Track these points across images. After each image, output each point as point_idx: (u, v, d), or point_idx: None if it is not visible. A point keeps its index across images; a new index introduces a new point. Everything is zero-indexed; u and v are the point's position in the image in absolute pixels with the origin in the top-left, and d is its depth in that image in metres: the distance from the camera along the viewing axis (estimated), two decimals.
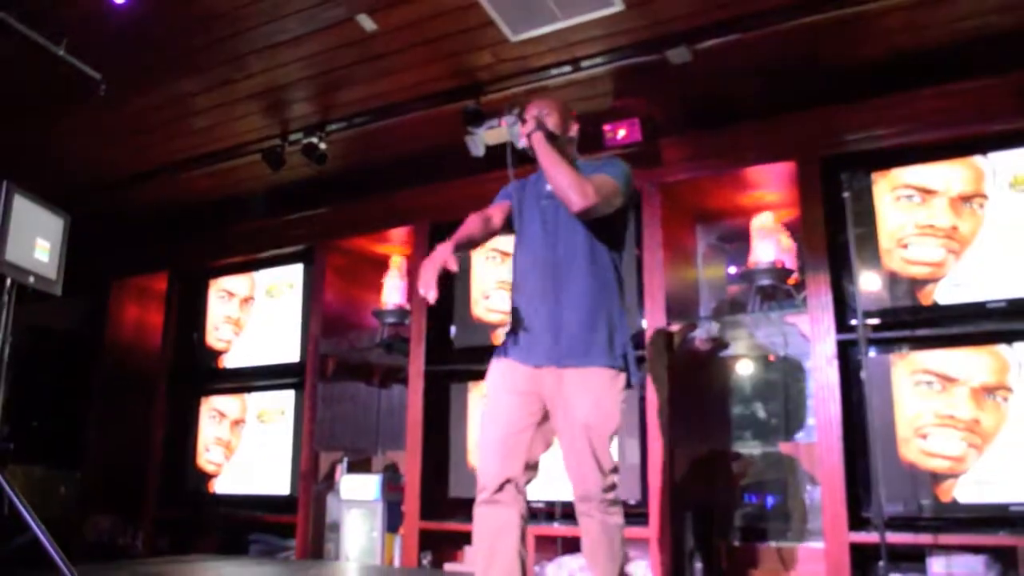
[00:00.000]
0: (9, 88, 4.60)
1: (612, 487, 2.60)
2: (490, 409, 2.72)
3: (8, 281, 3.50)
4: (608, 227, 2.73)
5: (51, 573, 3.02)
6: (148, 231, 6.43)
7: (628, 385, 2.68)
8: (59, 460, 5.49)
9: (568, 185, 2.59)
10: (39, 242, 3.70)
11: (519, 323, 2.71)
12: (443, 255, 2.51)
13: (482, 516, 2.59)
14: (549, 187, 2.74)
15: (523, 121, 2.71)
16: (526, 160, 2.78)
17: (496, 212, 2.86)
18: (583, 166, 2.78)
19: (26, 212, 3.64)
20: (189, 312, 6.27)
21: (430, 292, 2.47)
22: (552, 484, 3.25)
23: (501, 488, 2.57)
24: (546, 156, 2.65)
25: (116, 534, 5.61)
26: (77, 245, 3.87)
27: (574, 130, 2.90)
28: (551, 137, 2.70)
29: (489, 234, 2.84)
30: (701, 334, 4.56)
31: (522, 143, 2.70)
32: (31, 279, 3.61)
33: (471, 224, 2.77)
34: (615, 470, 2.63)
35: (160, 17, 3.99)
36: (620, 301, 2.74)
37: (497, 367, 2.75)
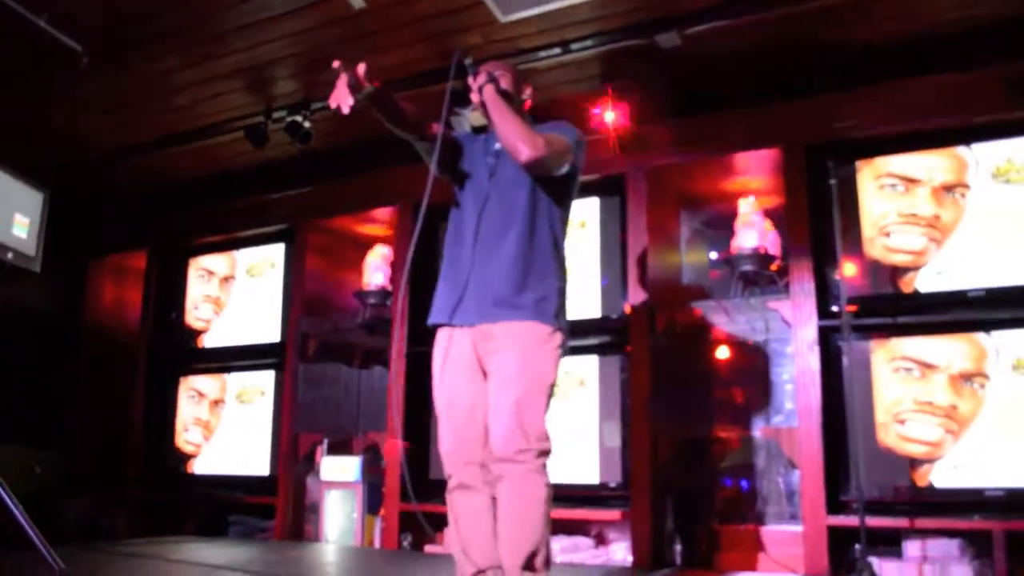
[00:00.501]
0: None
1: (540, 454, 2.42)
2: (438, 387, 2.62)
3: None
4: (553, 190, 2.65)
5: (30, 553, 3.00)
6: (127, 208, 6.35)
7: (562, 352, 2.56)
8: (36, 440, 5.42)
9: (517, 134, 2.49)
10: (18, 217, 3.64)
11: (451, 282, 2.63)
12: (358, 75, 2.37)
13: (453, 503, 2.55)
14: (498, 145, 2.67)
15: (475, 74, 2.63)
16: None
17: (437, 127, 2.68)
18: (536, 128, 2.67)
19: (4, 187, 3.58)
20: (168, 291, 6.22)
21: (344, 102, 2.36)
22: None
23: (467, 472, 2.52)
24: (496, 107, 2.55)
25: (95, 515, 5.57)
26: (55, 221, 3.81)
27: (527, 93, 2.81)
28: (503, 94, 2.61)
29: (410, 125, 2.63)
30: (683, 319, 4.58)
31: (474, 98, 2.60)
32: (9, 255, 3.55)
33: (409, 107, 2.63)
34: (546, 437, 2.45)
35: None
36: (556, 266, 2.62)
37: (439, 339, 2.65)
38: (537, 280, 2.55)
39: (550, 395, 2.53)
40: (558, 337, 2.54)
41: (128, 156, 5.60)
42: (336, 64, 2.39)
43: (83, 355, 6.37)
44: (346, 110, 2.39)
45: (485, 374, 2.55)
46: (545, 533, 2.41)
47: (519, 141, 2.49)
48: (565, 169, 2.64)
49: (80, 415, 6.17)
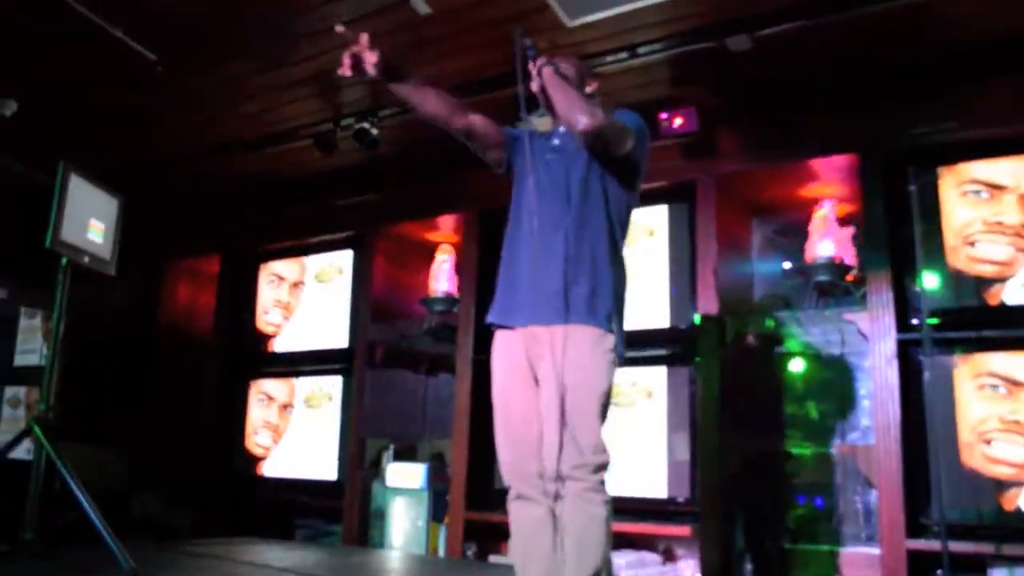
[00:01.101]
0: (67, 70, 4.64)
1: (596, 468, 2.33)
2: (495, 396, 2.57)
3: (63, 260, 3.55)
4: (613, 186, 2.57)
5: (100, 549, 3.05)
6: (201, 213, 6.48)
7: (617, 358, 2.46)
8: (109, 438, 5.57)
9: (575, 104, 2.42)
10: (94, 222, 3.73)
11: (508, 283, 2.57)
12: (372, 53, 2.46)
13: (514, 514, 2.48)
14: (557, 140, 2.63)
15: (534, 59, 2.56)
16: None
17: (480, 119, 2.67)
18: None
19: (82, 192, 3.67)
20: (240, 295, 6.33)
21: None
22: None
23: (525, 483, 2.45)
24: (553, 83, 2.48)
25: (164, 514, 5.68)
26: (131, 226, 3.90)
27: (592, 88, 2.72)
28: (563, 78, 2.55)
29: (443, 116, 2.62)
30: (754, 329, 4.46)
31: (533, 84, 2.54)
32: (86, 258, 3.65)
33: (439, 92, 2.63)
34: (602, 449, 2.35)
35: (214, 1, 3.99)
36: (614, 265, 2.53)
37: (495, 343, 2.59)
38: (590, 281, 2.46)
39: (605, 404, 2.42)
40: (610, 340, 2.44)
41: (201, 162, 5.70)
42: (339, 30, 2.48)
43: (157, 356, 6.52)
44: (347, 72, 2.48)
45: (537, 380, 2.48)
46: (606, 551, 2.33)
47: (577, 111, 2.42)
48: (626, 148, 2.54)
49: (152, 415, 6.30)
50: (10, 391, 6.63)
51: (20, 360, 6.69)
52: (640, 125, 2.62)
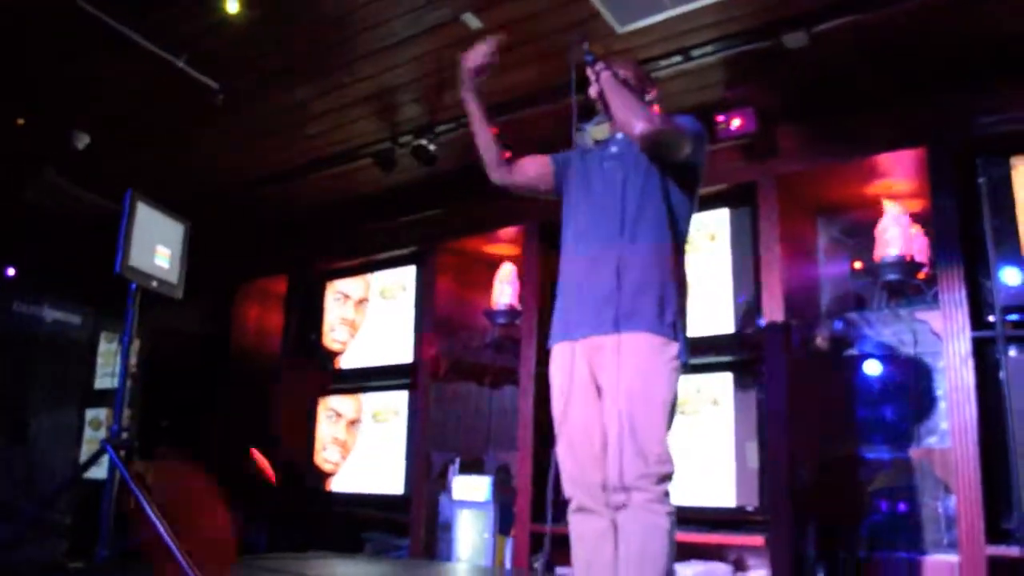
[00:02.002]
0: (133, 100, 4.81)
1: (660, 479, 2.29)
2: (555, 407, 2.55)
3: (133, 286, 3.65)
4: (672, 190, 2.54)
5: (173, 567, 3.11)
6: (267, 235, 6.63)
7: (683, 363, 2.43)
8: (187, 456, 5.69)
9: (632, 108, 2.42)
10: (159, 248, 3.84)
11: (566, 297, 2.56)
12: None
13: (574, 526, 2.47)
14: (614, 148, 2.62)
15: (592, 64, 2.56)
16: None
17: (524, 167, 2.78)
18: None
19: (149, 219, 3.78)
20: (307, 313, 6.43)
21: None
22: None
23: (587, 495, 2.43)
24: (611, 87, 2.48)
25: (238, 531, 5.79)
26: (201, 249, 4.00)
27: (651, 95, 2.71)
28: (623, 82, 2.54)
29: (489, 152, 2.74)
30: (823, 332, 4.34)
31: (592, 89, 2.56)
32: (154, 283, 3.75)
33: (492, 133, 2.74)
34: (667, 459, 2.31)
35: (272, 25, 4.08)
36: (675, 271, 2.49)
37: (553, 356, 2.58)
38: (650, 287, 2.42)
39: (670, 412, 2.38)
40: (674, 348, 2.40)
41: (266, 184, 5.83)
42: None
43: (229, 376, 6.66)
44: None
45: (600, 390, 2.46)
46: (670, 563, 2.28)
47: (633, 115, 2.41)
48: (685, 153, 2.52)
49: (227, 433, 6.44)
50: (91, 413, 6.85)
51: (100, 383, 6.91)
52: (697, 129, 2.60)
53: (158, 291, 3.81)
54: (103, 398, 6.81)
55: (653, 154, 2.50)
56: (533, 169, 2.77)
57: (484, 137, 2.70)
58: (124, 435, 3.52)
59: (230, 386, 6.61)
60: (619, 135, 2.63)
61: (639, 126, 2.40)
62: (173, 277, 3.92)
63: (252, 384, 6.58)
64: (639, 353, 2.38)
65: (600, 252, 2.49)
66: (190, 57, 4.29)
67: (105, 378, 6.96)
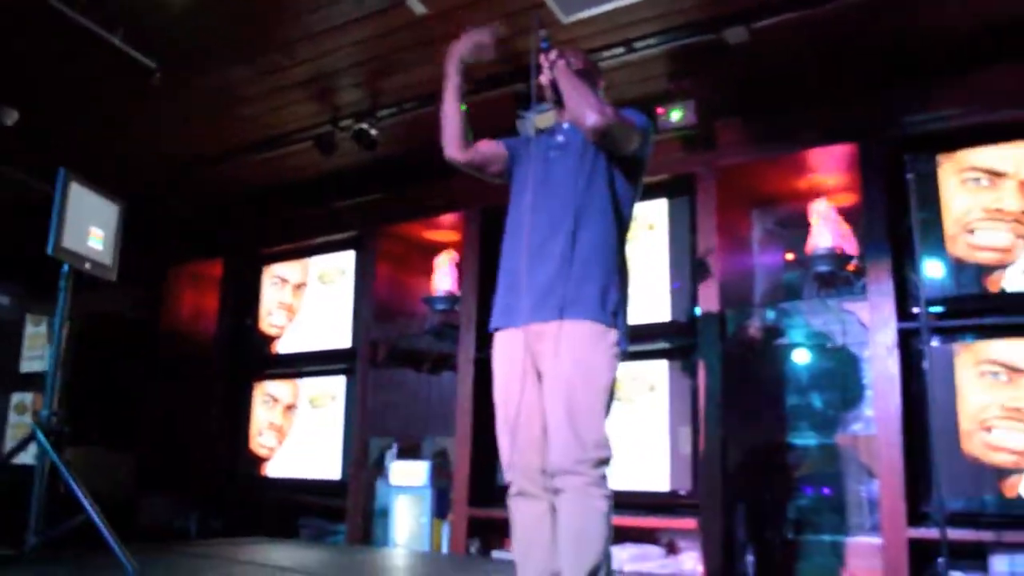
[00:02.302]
0: (67, 78, 4.68)
1: (597, 463, 2.33)
2: (496, 393, 2.58)
3: (65, 267, 3.57)
4: (616, 182, 2.59)
5: (105, 553, 3.07)
6: (203, 217, 6.52)
7: (622, 350, 2.47)
8: (114, 441, 5.60)
9: (586, 100, 2.44)
10: (93, 230, 3.76)
11: (509, 283, 2.58)
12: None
13: (513, 510, 2.50)
14: (560, 138, 2.65)
15: (547, 51, 2.58)
16: None
17: (485, 146, 2.75)
18: None
19: (82, 199, 3.69)
20: (243, 298, 6.35)
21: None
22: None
23: (526, 479, 2.46)
24: (566, 78, 2.50)
25: (170, 516, 5.71)
26: (133, 231, 3.92)
27: (600, 85, 2.76)
28: (576, 73, 2.57)
29: (460, 149, 2.70)
30: (755, 322, 4.46)
31: (543, 76, 2.57)
32: (87, 265, 3.67)
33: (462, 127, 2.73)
34: (604, 444, 2.35)
35: (211, 5, 4.00)
36: (618, 260, 2.54)
37: (496, 342, 2.61)
38: (592, 276, 2.46)
39: (609, 399, 2.43)
40: (613, 335, 2.44)
41: (203, 167, 5.72)
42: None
43: (161, 360, 6.54)
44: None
45: (540, 376, 2.49)
46: (606, 547, 2.33)
47: (587, 106, 2.44)
48: (633, 147, 2.56)
49: (158, 418, 6.34)
50: (16, 397, 6.68)
51: (26, 367, 6.74)
52: (646, 123, 2.64)
53: (92, 273, 3.73)
54: (29, 382, 6.65)
55: (602, 146, 2.54)
56: (488, 148, 2.76)
57: (453, 109, 2.68)
58: (54, 420, 3.45)
59: (162, 371, 6.49)
60: (566, 124, 2.66)
61: (592, 118, 2.42)
62: (107, 259, 3.84)
63: (185, 369, 6.47)
64: (580, 340, 2.42)
65: (544, 240, 2.51)
66: (127, 34, 4.18)
67: (31, 361, 6.80)
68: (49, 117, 5.11)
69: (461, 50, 2.66)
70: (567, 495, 2.33)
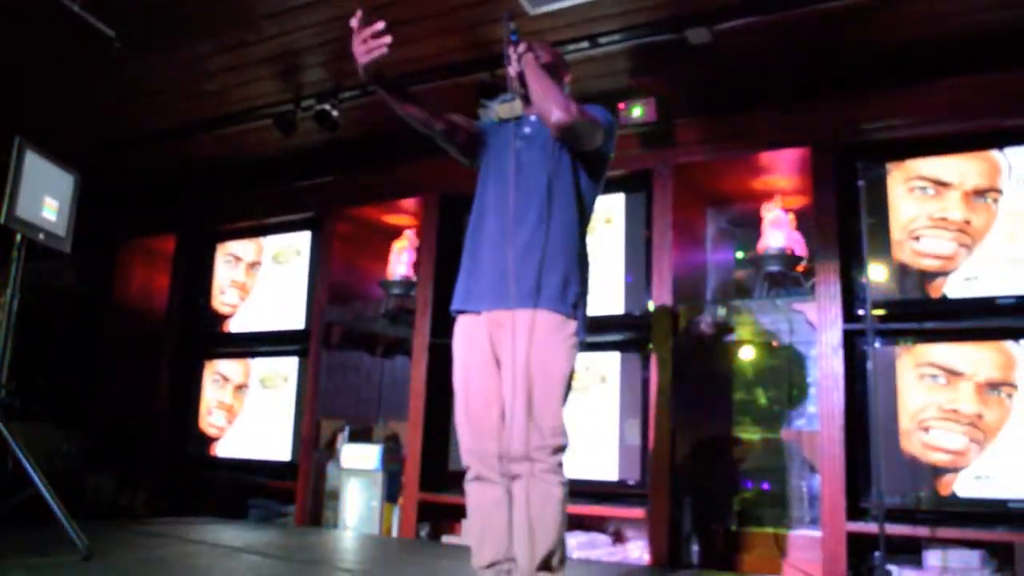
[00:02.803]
0: (23, 44, 4.57)
1: (555, 450, 2.39)
2: (456, 378, 2.62)
3: (18, 237, 3.51)
4: (579, 176, 2.63)
5: (54, 529, 3.05)
6: (158, 192, 6.42)
7: (579, 343, 2.53)
8: (63, 418, 5.50)
9: (552, 96, 2.47)
10: (47, 200, 3.70)
11: (473, 269, 2.62)
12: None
13: (470, 494, 2.55)
14: (527, 129, 2.68)
15: (515, 44, 2.60)
16: None
17: (458, 117, 2.73)
18: None
19: (37, 168, 3.64)
20: (196, 275, 6.28)
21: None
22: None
23: (483, 464, 2.51)
24: (533, 72, 2.53)
25: (117, 494, 5.65)
26: (85, 203, 3.87)
27: (567, 79, 2.81)
28: (543, 67, 2.60)
29: (423, 116, 2.63)
30: (706, 318, 4.56)
31: (511, 68, 2.59)
32: (41, 235, 3.62)
33: (417, 95, 2.66)
34: (561, 432, 2.42)
35: None
36: (579, 254, 2.60)
37: (457, 327, 2.65)
38: (555, 267, 2.51)
39: (567, 388, 2.49)
40: (572, 325, 2.50)
41: (159, 140, 5.64)
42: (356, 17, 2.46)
43: (110, 335, 6.44)
44: (363, 59, 2.44)
45: (499, 363, 2.54)
46: (561, 532, 2.39)
47: (553, 103, 2.47)
48: (596, 143, 2.61)
49: (106, 394, 6.24)
50: None
51: None
52: (610, 120, 2.70)
53: (45, 244, 3.68)
54: None
55: (566, 142, 2.58)
56: (466, 123, 2.78)
57: (411, 111, 2.64)
58: (3, 393, 3.41)
59: (111, 346, 6.39)
60: (533, 116, 2.69)
61: (556, 115, 2.46)
62: (61, 230, 3.79)
63: (135, 345, 6.38)
64: (540, 329, 2.46)
65: (508, 229, 2.55)
66: (85, 2, 4.10)
67: None
68: (3, 83, 4.99)
69: (361, 64, 2.49)
70: (524, 481, 2.39)
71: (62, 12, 4.06)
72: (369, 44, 2.44)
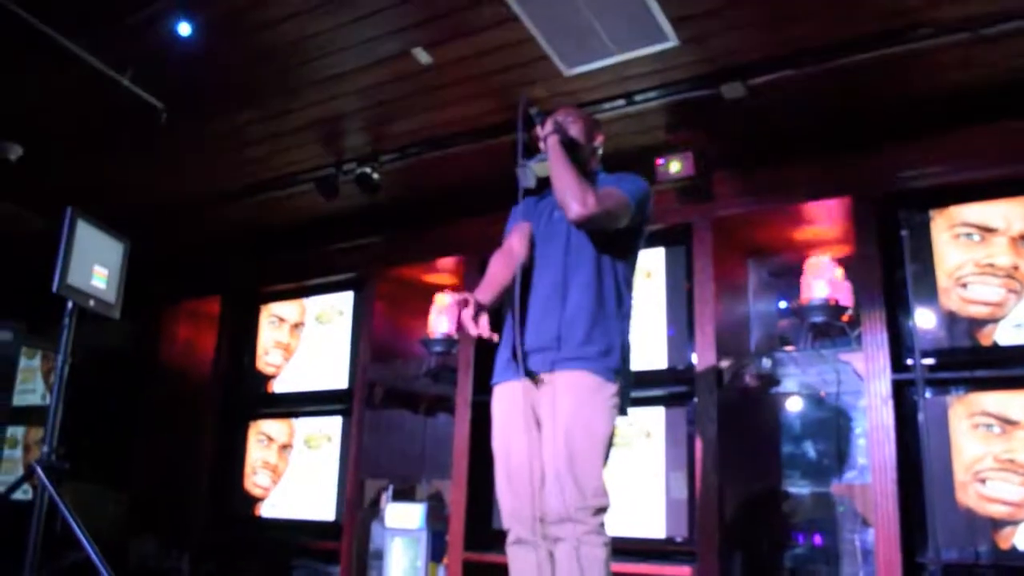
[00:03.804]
0: (75, 116, 4.74)
1: (596, 511, 2.38)
2: (495, 441, 2.63)
3: (70, 304, 3.59)
4: (614, 244, 2.65)
5: None
6: (203, 255, 6.55)
7: (621, 409, 2.55)
8: (108, 479, 5.57)
9: (569, 191, 2.49)
10: (96, 268, 3.79)
11: (511, 338, 2.63)
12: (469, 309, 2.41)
13: (512, 558, 2.53)
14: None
15: (542, 124, 2.67)
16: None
17: (517, 240, 2.75)
18: (603, 179, 2.75)
19: (88, 237, 3.73)
20: (240, 336, 6.36)
21: (471, 328, 2.40)
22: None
23: (524, 527, 2.50)
24: (556, 160, 2.57)
25: (161, 556, 5.67)
26: (132, 267, 3.95)
27: (598, 141, 2.85)
28: (570, 144, 2.65)
29: (515, 274, 2.64)
30: (751, 370, 4.50)
31: (541, 147, 2.65)
32: (91, 302, 3.69)
33: (497, 269, 2.66)
34: (603, 492, 2.41)
35: (222, 49, 4.09)
36: (617, 320, 2.61)
37: (496, 392, 2.67)
38: (596, 334, 2.54)
39: (607, 448, 2.49)
40: (612, 387, 2.51)
41: (205, 206, 5.78)
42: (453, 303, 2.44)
43: (155, 397, 6.53)
44: (474, 333, 2.43)
45: (539, 425, 2.54)
46: None
47: (570, 198, 2.50)
48: (621, 224, 2.63)
49: (150, 456, 6.30)
50: (8, 431, 6.64)
51: (19, 400, 6.70)
52: (641, 195, 2.70)
53: (95, 310, 3.76)
54: (21, 415, 6.62)
55: (586, 230, 2.61)
56: (521, 242, 2.75)
57: (505, 286, 2.65)
58: (54, 457, 3.45)
59: (156, 408, 6.47)
60: None
61: (574, 210, 2.49)
62: (111, 296, 3.87)
63: (180, 406, 6.45)
64: (579, 389, 2.48)
65: (546, 296, 2.60)
66: (136, 75, 4.26)
67: (24, 395, 6.76)
68: (54, 154, 5.17)
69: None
70: (566, 543, 2.37)
71: (112, 85, 4.21)
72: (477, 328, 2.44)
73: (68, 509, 3.25)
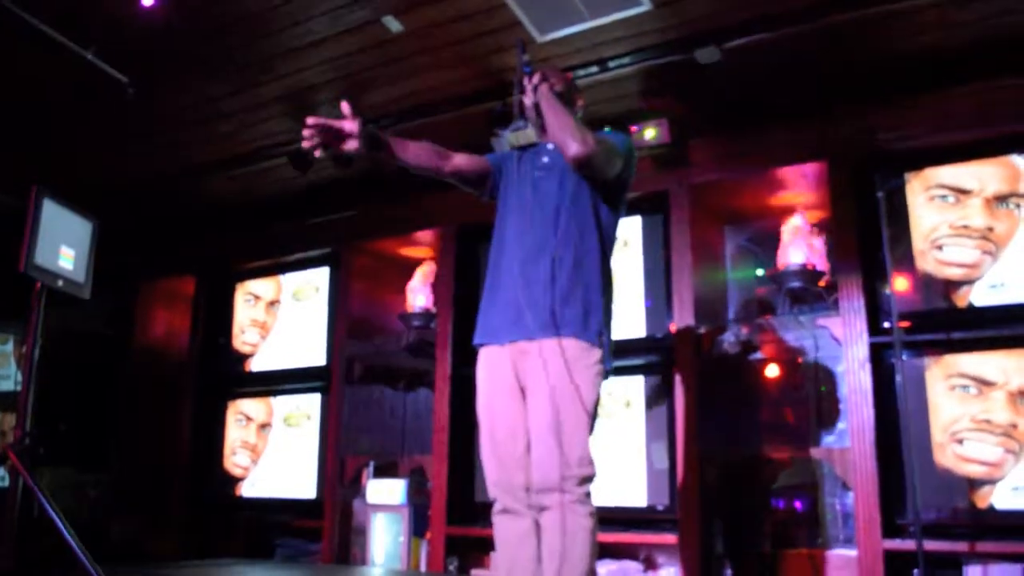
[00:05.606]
0: (38, 92, 4.64)
1: (582, 480, 2.38)
2: (480, 410, 2.62)
3: (37, 285, 3.52)
4: (599, 203, 2.64)
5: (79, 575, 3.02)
6: (175, 234, 6.46)
7: (605, 374, 2.53)
8: (87, 461, 5.51)
9: (569, 129, 2.48)
10: (63, 249, 3.72)
11: (495, 300, 2.62)
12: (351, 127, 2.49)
13: (498, 527, 2.53)
14: (546, 159, 2.68)
15: (530, 75, 2.63)
16: None
17: (464, 159, 2.76)
18: None
19: (55, 216, 3.65)
20: (216, 315, 6.29)
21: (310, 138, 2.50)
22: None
23: (511, 496, 2.49)
24: (549, 104, 2.55)
25: (143, 537, 5.63)
26: (104, 247, 3.88)
27: (579, 104, 2.83)
28: (558, 96, 2.62)
29: (431, 168, 2.69)
30: (729, 337, 4.50)
31: (526, 98, 2.62)
32: (60, 282, 3.63)
33: (423, 149, 2.68)
34: (588, 461, 2.41)
35: (187, 20, 4.00)
36: (601, 282, 2.59)
37: (480, 359, 2.65)
38: (578, 297, 2.51)
39: (593, 416, 2.47)
40: (597, 353, 2.49)
41: (175, 182, 5.69)
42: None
43: (132, 378, 6.46)
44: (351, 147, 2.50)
45: (524, 393, 2.51)
46: (592, 562, 2.36)
47: (570, 136, 2.48)
48: (615, 171, 2.61)
49: (129, 438, 6.25)
50: None
51: None
52: (628, 146, 2.71)
53: (64, 291, 3.69)
54: None
55: (584, 174, 2.57)
56: (475, 162, 2.80)
57: (414, 159, 2.68)
58: (27, 441, 3.40)
59: (133, 389, 6.41)
60: (550, 145, 2.69)
61: (574, 148, 2.47)
62: (80, 276, 3.79)
63: (157, 387, 6.39)
64: (564, 358, 2.45)
65: (530, 259, 2.55)
66: (100, 50, 4.16)
67: None
68: (19, 131, 5.06)
69: (352, 151, 2.55)
70: (552, 512, 2.36)
71: (75, 60, 4.11)
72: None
73: (44, 493, 3.21)
